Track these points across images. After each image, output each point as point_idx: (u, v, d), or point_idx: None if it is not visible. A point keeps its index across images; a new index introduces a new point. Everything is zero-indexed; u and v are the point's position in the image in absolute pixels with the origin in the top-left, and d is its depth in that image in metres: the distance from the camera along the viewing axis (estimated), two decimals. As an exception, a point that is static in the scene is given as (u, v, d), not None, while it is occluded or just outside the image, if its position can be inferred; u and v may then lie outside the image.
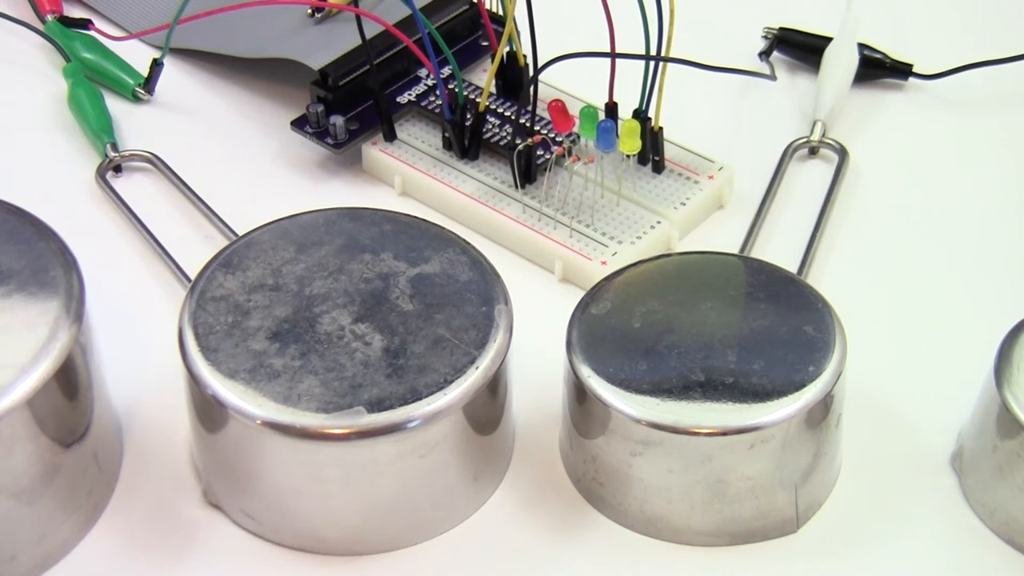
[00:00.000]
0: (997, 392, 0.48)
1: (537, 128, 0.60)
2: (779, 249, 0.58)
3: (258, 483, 0.49)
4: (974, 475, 0.50)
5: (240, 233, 0.53)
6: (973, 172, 0.63)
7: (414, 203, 0.61)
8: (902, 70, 0.66)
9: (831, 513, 0.51)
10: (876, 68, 0.66)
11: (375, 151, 0.62)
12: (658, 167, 0.60)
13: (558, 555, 0.50)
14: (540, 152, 0.60)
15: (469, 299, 0.50)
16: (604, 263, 0.57)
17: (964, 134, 0.65)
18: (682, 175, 0.60)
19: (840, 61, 0.65)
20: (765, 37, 0.67)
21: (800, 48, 0.67)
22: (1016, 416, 0.48)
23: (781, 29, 0.67)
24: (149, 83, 0.66)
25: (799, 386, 0.48)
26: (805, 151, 0.63)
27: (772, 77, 0.65)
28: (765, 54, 0.67)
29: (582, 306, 0.51)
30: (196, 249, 0.58)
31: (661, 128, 0.59)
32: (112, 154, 0.62)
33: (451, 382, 0.47)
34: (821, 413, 0.48)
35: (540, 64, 0.57)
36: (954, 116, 0.65)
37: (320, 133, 0.62)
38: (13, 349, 0.47)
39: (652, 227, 0.58)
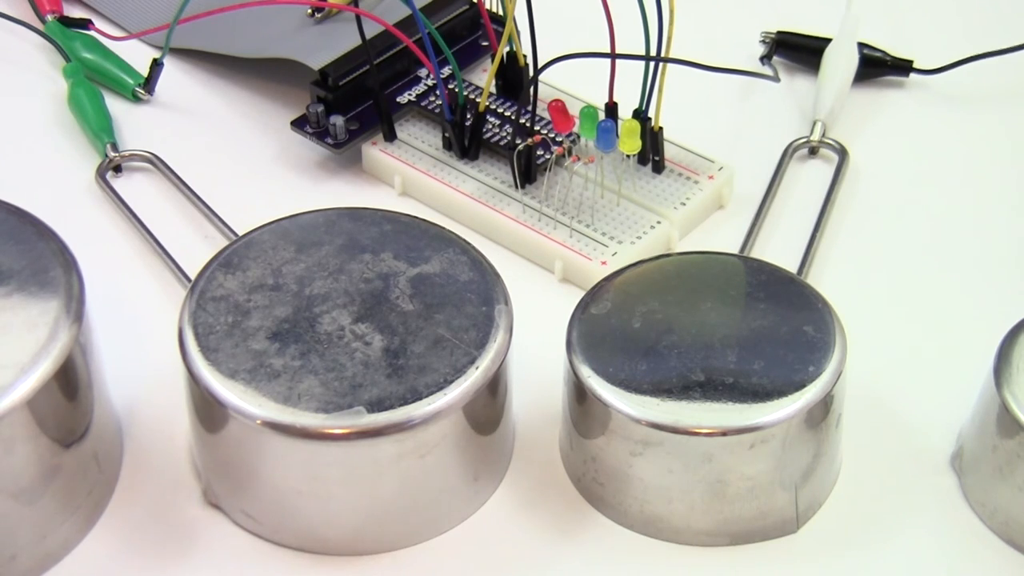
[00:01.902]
0: (997, 392, 0.48)
1: (537, 128, 0.60)
2: (779, 249, 0.58)
3: (258, 483, 0.49)
4: (974, 475, 0.50)
5: (240, 233, 0.53)
6: (973, 171, 0.63)
7: (414, 203, 0.61)
8: (902, 67, 0.66)
9: (831, 513, 0.51)
10: (876, 67, 0.66)
11: (375, 151, 0.62)
12: (658, 167, 0.60)
13: (558, 555, 0.50)
14: (540, 152, 0.60)
15: (469, 299, 0.50)
16: (604, 263, 0.57)
17: (965, 130, 0.65)
18: (682, 175, 0.60)
19: (840, 61, 0.64)
20: (763, 42, 0.67)
21: (799, 50, 0.67)
22: (1016, 416, 0.48)
23: (779, 33, 0.67)
24: (149, 83, 0.66)
25: (799, 386, 0.48)
26: (805, 151, 0.63)
27: (775, 79, 0.65)
28: (766, 58, 0.66)
29: (582, 306, 0.51)
30: (196, 249, 0.58)
31: (661, 128, 0.59)
32: (112, 154, 0.62)
33: (451, 382, 0.47)
34: (821, 413, 0.48)
35: (540, 64, 0.57)
36: (955, 111, 0.65)
37: (320, 133, 0.62)
38: (13, 349, 0.47)
39: (652, 227, 0.58)
